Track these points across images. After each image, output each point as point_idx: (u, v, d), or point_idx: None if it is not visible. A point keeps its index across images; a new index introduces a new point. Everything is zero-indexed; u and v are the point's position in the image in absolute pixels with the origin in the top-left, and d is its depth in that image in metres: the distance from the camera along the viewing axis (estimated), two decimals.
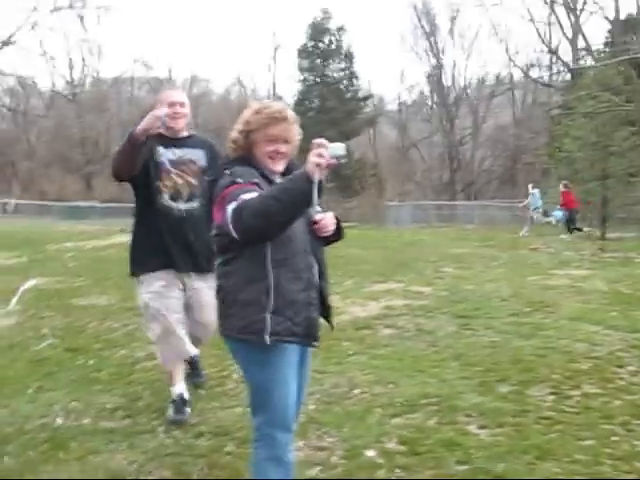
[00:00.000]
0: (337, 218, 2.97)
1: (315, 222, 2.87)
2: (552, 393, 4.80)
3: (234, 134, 2.95)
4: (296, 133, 2.99)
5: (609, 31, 31.43)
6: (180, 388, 4.54)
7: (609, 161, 23.94)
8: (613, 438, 4.00)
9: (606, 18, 23.49)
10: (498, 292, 8.37)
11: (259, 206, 2.55)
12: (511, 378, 5.09)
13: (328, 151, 2.55)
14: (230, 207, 2.64)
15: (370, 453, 3.88)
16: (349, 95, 46.78)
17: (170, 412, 4.45)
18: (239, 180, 2.73)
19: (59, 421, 4.51)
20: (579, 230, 22.77)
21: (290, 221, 2.65)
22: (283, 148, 2.92)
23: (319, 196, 2.61)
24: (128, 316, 7.62)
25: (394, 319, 7.09)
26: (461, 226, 29.99)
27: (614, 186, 23.47)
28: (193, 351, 4.62)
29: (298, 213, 2.65)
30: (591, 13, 24.73)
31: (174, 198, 4.42)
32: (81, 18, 44.73)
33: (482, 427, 4.21)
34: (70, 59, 50.46)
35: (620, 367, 5.36)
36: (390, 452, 3.87)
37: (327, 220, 2.87)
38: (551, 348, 5.84)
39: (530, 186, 25.81)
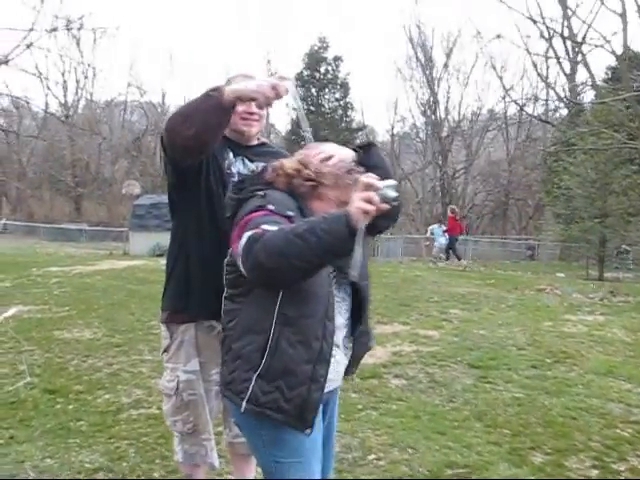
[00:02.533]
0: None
1: (353, 284, 2.40)
2: (595, 466, 4.23)
3: (293, 169, 2.40)
4: None
5: (609, 67, 31.32)
6: None
7: (608, 199, 23.65)
8: None
9: (612, 52, 23.27)
10: (513, 339, 7.80)
11: (279, 242, 2.01)
12: (545, 445, 4.52)
13: (378, 192, 2.00)
14: (247, 235, 2.13)
15: None
16: (343, 125, 46.50)
17: None
18: (270, 207, 2.24)
19: None
20: (458, 259, 22.95)
21: (313, 270, 2.10)
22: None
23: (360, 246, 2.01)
24: (113, 354, 7.00)
25: (404, 367, 6.49)
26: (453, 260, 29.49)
27: (613, 225, 23.10)
28: (216, 462, 3.43)
29: (326, 263, 2.13)
30: (595, 47, 24.41)
31: None
32: (77, 40, 44.16)
33: None
34: (64, 81, 49.98)
35: None
36: None
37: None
38: (583, 409, 5.27)
39: (435, 225, 26.73)
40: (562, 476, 4.03)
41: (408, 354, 7.07)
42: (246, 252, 2.08)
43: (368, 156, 2.55)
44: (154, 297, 11.37)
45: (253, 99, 2.69)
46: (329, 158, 2.42)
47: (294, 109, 41.83)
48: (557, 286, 13.42)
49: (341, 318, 2.45)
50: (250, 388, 2.26)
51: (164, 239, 27.73)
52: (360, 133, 49.08)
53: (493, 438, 4.63)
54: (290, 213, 2.23)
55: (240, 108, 3.00)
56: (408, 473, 4.05)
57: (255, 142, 3.26)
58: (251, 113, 3.11)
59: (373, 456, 4.32)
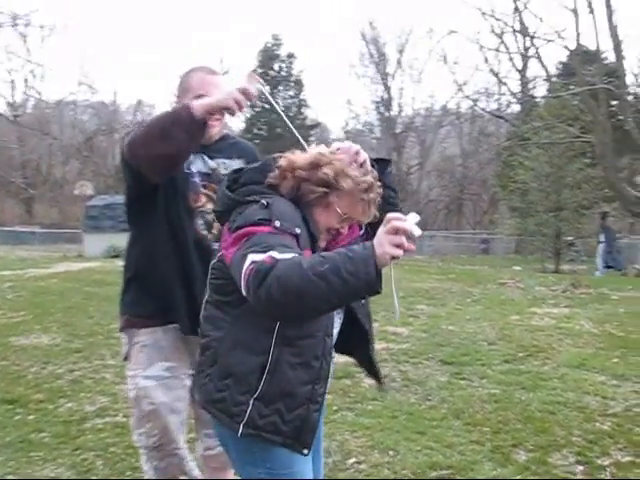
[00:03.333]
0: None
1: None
2: (579, 462, 4.14)
3: (306, 171, 2.15)
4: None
5: (560, 63, 31.73)
6: None
7: (563, 193, 23.92)
8: None
9: (565, 47, 23.56)
10: (483, 334, 7.72)
11: (296, 280, 1.78)
12: (526, 442, 4.42)
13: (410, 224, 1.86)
14: (251, 258, 1.87)
15: None
16: (297, 122, 46.32)
17: None
18: (277, 223, 1.98)
19: None
20: None
21: (334, 310, 2.07)
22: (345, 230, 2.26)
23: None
24: (74, 359, 6.72)
25: None
26: (410, 256, 29.58)
27: (567, 218, 23.38)
28: (195, 471, 3.13)
29: (347, 304, 2.17)
30: (548, 41, 24.72)
31: (208, 228, 2.95)
32: (24, 37, 43.14)
33: None
34: (12, 80, 48.84)
35: None
36: None
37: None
38: (560, 403, 5.19)
39: None
40: (549, 474, 3.92)
41: (379, 352, 6.92)
42: (257, 283, 1.82)
43: (384, 175, 2.34)
44: (113, 299, 10.99)
45: (225, 109, 2.58)
46: (364, 163, 2.20)
47: (270, 106, 41.61)
48: (519, 279, 13.45)
49: (335, 330, 2.32)
50: (247, 412, 2.10)
51: (119, 240, 27.36)
52: (314, 130, 49.02)
53: (474, 437, 4.52)
54: (298, 231, 2.02)
55: None
56: (391, 477, 3.91)
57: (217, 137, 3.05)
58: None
59: (353, 460, 4.17)
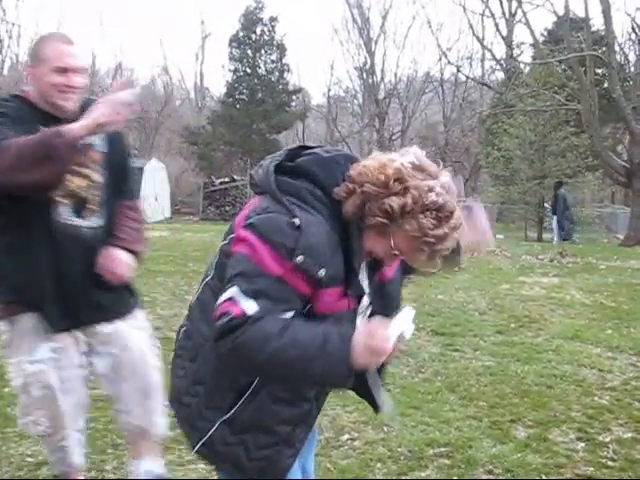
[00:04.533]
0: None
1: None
2: (580, 439, 3.99)
3: (372, 176, 1.70)
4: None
5: (546, 29, 31.40)
6: None
7: (547, 161, 23.85)
8: None
9: (554, 12, 23.25)
10: (473, 304, 7.58)
11: (261, 357, 1.62)
12: (525, 417, 4.27)
13: (395, 335, 1.63)
14: (233, 293, 1.63)
15: None
16: (280, 88, 45.73)
17: None
18: (299, 259, 1.63)
19: None
20: None
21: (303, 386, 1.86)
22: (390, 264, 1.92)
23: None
24: None
25: None
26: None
27: (551, 186, 23.32)
28: (76, 458, 2.97)
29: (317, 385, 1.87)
30: (537, 6, 24.37)
31: (78, 211, 2.69)
32: None
33: None
34: None
35: None
36: None
37: None
38: (557, 376, 5.05)
39: None
40: (550, 452, 3.77)
41: None
42: (220, 332, 1.62)
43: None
44: None
45: (110, 124, 2.40)
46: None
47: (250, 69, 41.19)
48: (505, 248, 13.33)
49: None
50: (210, 432, 1.82)
51: None
52: (296, 96, 48.48)
53: (470, 412, 4.36)
54: (321, 274, 1.66)
55: (58, 79, 2.57)
56: (387, 454, 3.73)
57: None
58: (70, 86, 2.61)
59: (347, 436, 3.99)
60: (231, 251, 1.73)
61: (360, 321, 1.84)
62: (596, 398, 4.65)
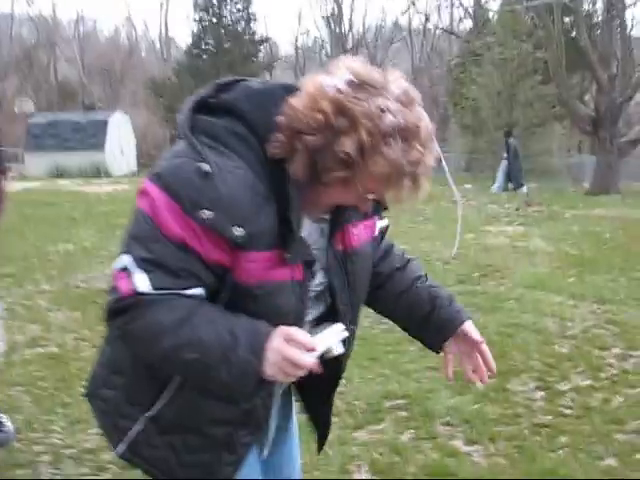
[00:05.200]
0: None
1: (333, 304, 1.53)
2: (539, 388, 3.98)
3: (306, 122, 1.28)
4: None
5: None
6: None
7: (514, 111, 23.82)
8: (638, 456, 3.18)
9: None
10: (437, 253, 7.53)
11: (154, 352, 1.33)
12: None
13: (317, 349, 1.29)
14: (126, 262, 1.29)
15: None
16: (246, 37, 44.92)
17: None
18: (205, 214, 1.26)
19: None
20: None
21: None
22: (370, 204, 1.45)
23: None
24: (4, 285, 6.29)
25: None
26: None
27: (518, 136, 23.31)
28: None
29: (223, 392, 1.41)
30: None
31: None
32: None
33: (471, 442, 3.33)
34: None
35: (603, 349, 4.61)
36: None
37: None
38: (518, 325, 5.03)
39: None
40: (508, 402, 3.73)
41: None
42: (108, 310, 1.32)
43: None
44: (52, 221, 10.59)
45: None
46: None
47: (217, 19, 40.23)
48: (471, 197, 13.29)
49: None
50: (133, 432, 1.47)
51: (63, 159, 26.35)
52: (263, 45, 47.72)
53: (430, 363, 4.28)
54: (237, 232, 1.27)
55: None
56: (344, 408, 3.66)
57: None
58: None
59: None
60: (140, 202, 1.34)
61: (313, 303, 1.48)
62: (556, 347, 4.63)
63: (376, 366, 4.25)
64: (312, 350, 1.27)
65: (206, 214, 1.25)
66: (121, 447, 1.49)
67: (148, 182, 1.31)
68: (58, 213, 11.45)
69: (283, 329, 1.28)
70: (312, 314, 1.50)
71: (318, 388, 1.65)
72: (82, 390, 1.63)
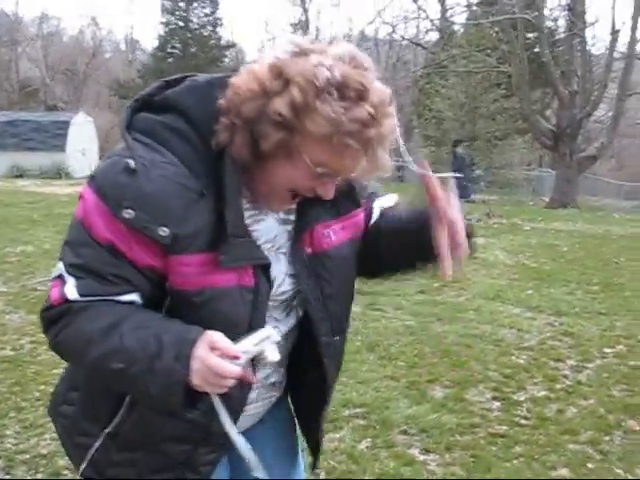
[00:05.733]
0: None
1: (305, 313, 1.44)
2: (496, 398, 4.02)
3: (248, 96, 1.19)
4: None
5: None
6: None
7: (477, 123, 24.13)
8: (589, 465, 3.24)
9: None
10: None
11: (82, 360, 1.25)
12: (443, 377, 4.27)
13: (240, 357, 1.15)
14: (61, 271, 1.23)
15: None
16: (212, 42, 44.81)
17: None
18: (128, 213, 1.17)
19: None
20: None
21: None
22: (330, 187, 1.27)
23: None
24: None
25: None
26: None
27: (481, 148, 23.65)
28: None
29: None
30: None
31: None
32: None
33: (427, 451, 3.35)
34: None
35: (559, 361, 4.68)
36: None
37: None
38: (477, 336, 5.08)
39: None
40: (465, 412, 3.77)
41: None
42: (43, 321, 1.26)
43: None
44: (9, 222, 10.41)
45: None
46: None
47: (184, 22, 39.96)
48: None
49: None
50: (93, 449, 1.39)
51: (23, 159, 25.90)
52: (229, 51, 47.64)
53: (389, 372, 4.33)
54: (163, 232, 1.18)
55: None
56: None
57: None
58: None
59: None
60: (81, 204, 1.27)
61: (280, 314, 1.40)
62: (513, 358, 4.69)
63: None
64: (235, 358, 1.15)
65: (129, 213, 1.16)
66: (84, 467, 1.41)
67: (85, 185, 1.24)
68: (17, 214, 11.26)
69: (208, 335, 1.17)
70: (282, 326, 1.40)
71: (305, 404, 1.61)
72: (37, 394, 1.61)
